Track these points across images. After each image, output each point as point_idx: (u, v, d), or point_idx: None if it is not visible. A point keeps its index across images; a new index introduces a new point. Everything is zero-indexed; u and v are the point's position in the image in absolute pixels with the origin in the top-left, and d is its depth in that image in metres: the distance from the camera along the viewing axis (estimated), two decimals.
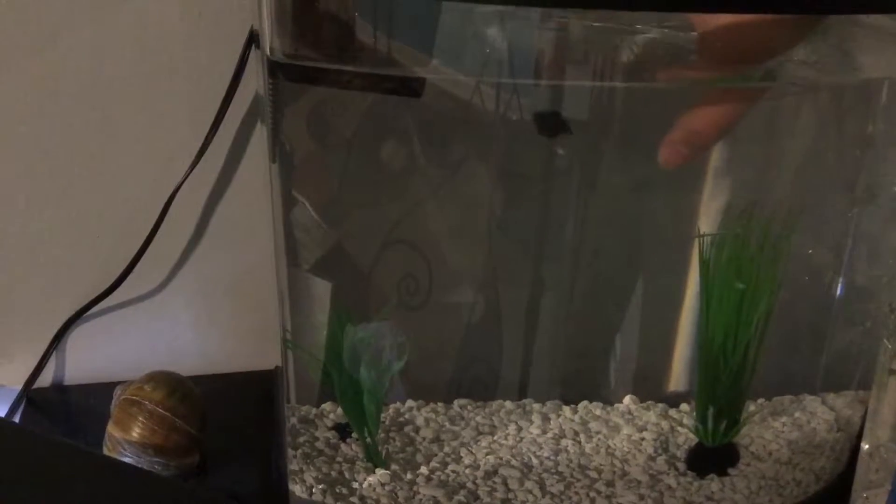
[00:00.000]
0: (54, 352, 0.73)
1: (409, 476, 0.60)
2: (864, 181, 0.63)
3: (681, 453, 0.63)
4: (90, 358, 0.74)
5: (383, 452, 0.61)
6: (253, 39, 0.63)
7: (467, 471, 0.61)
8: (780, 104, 0.62)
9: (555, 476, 0.61)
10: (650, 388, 0.68)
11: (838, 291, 0.65)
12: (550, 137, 0.59)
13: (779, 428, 0.66)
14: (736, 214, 0.61)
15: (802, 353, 0.68)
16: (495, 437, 0.64)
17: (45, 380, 0.73)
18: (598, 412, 0.67)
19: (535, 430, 0.65)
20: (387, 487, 0.59)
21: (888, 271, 0.64)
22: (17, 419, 0.69)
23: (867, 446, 0.58)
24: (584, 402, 0.67)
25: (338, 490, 0.59)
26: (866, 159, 0.63)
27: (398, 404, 0.65)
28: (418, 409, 0.66)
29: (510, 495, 0.59)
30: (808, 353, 0.68)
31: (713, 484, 0.61)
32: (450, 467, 0.61)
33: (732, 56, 0.50)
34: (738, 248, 0.59)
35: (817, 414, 0.67)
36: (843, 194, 0.64)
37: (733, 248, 0.59)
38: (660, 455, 0.63)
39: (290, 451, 0.61)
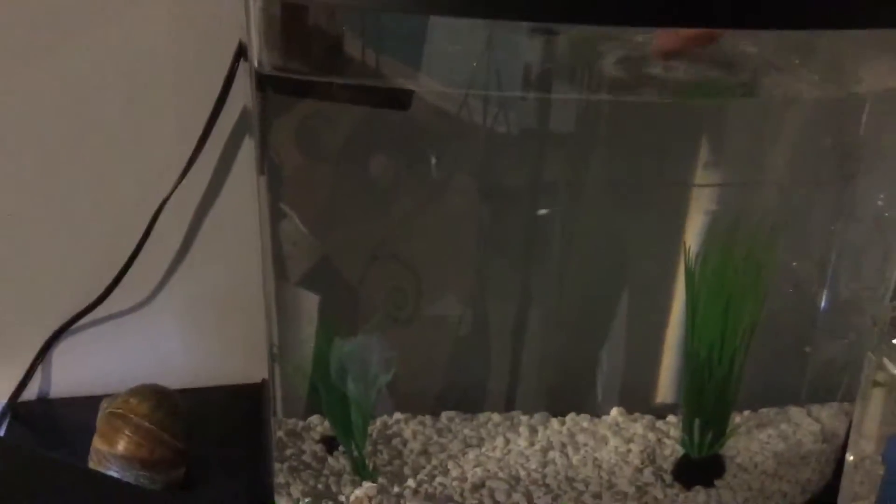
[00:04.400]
0: (40, 365, 0.72)
1: (396, 489, 0.60)
2: (848, 195, 0.63)
3: (667, 465, 0.63)
4: (76, 371, 0.73)
5: (370, 465, 0.61)
6: (241, 53, 0.63)
7: (455, 483, 0.61)
8: (766, 118, 0.63)
9: (542, 488, 0.61)
10: (637, 399, 0.68)
11: (822, 304, 0.66)
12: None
13: (764, 439, 0.66)
14: (722, 227, 0.62)
15: (787, 364, 0.68)
16: (483, 450, 0.64)
17: (30, 393, 0.73)
18: (585, 424, 0.67)
19: (522, 443, 0.65)
20: (374, 500, 0.59)
21: (871, 284, 0.64)
22: (1, 433, 0.69)
23: (852, 458, 0.58)
24: (572, 415, 0.67)
25: (324, 503, 0.59)
26: (850, 173, 0.63)
27: (385, 417, 0.65)
28: (406, 421, 0.65)
29: None
30: (793, 365, 0.68)
31: (699, 495, 0.61)
32: (437, 480, 0.61)
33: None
34: (724, 261, 0.60)
35: (802, 426, 0.68)
36: (827, 208, 0.65)
37: (719, 260, 0.60)
38: (646, 467, 0.63)
39: (277, 465, 0.60)
